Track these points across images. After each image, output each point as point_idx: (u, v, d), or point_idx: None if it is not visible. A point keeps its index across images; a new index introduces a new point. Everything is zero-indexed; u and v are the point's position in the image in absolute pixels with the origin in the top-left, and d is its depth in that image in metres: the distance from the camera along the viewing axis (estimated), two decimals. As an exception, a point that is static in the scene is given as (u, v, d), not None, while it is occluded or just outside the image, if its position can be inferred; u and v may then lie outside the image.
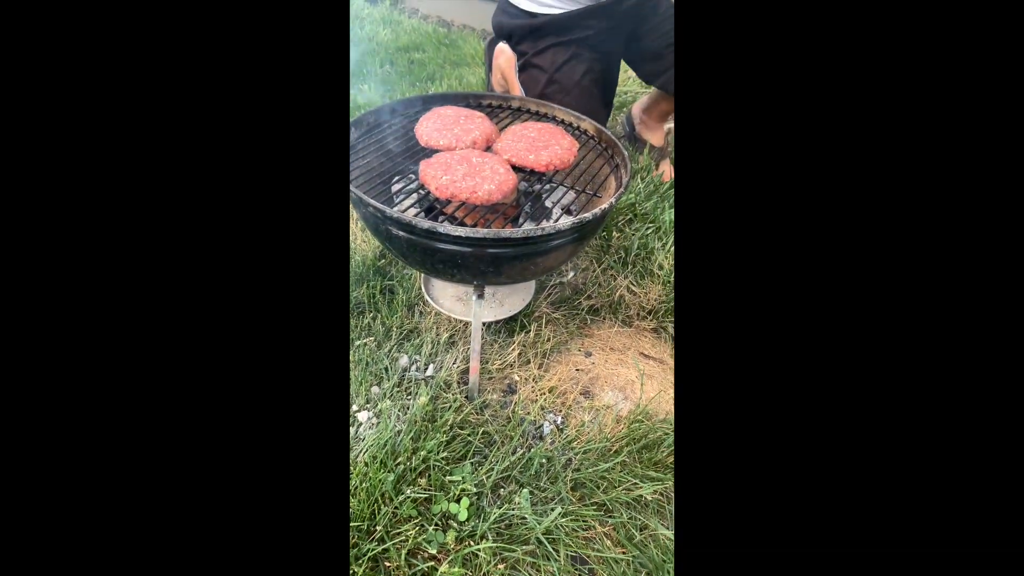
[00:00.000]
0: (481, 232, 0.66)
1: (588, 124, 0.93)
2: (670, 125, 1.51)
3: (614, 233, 1.15)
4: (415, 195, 0.82)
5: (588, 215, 0.69)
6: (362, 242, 1.09)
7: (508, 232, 0.67)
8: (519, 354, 0.93)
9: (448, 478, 0.71)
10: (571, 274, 1.09)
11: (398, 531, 0.65)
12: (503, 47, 1.23)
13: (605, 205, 0.71)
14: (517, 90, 1.20)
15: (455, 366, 0.88)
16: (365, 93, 1.67)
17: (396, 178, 0.88)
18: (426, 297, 0.98)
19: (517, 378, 0.90)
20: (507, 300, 1.01)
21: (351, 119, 0.87)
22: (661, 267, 1.07)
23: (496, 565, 0.65)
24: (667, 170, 1.44)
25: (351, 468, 0.70)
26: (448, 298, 0.99)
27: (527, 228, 0.67)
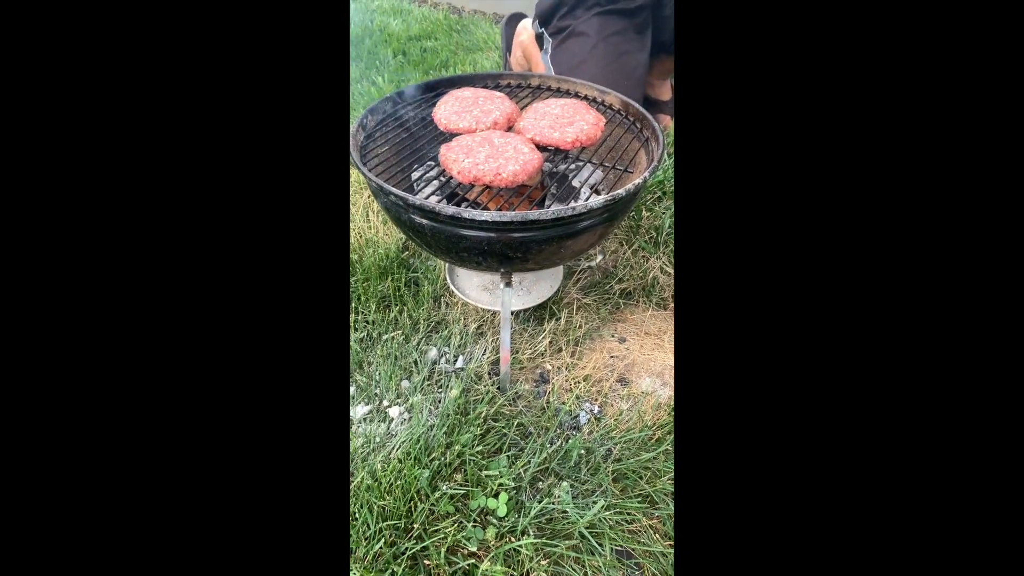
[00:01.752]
0: (508, 215, 0.63)
1: (613, 98, 0.89)
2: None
3: (643, 212, 1.10)
4: (436, 182, 0.79)
5: (621, 191, 0.65)
6: (384, 235, 1.07)
7: (536, 214, 0.63)
8: (550, 342, 0.90)
9: (484, 472, 0.69)
10: (599, 258, 1.05)
11: (436, 528, 0.63)
12: (526, 24, 1.19)
13: (639, 180, 0.67)
14: (540, 67, 1.17)
15: (485, 357, 0.86)
16: (378, 84, 1.65)
17: (416, 165, 0.85)
18: (452, 288, 0.96)
19: (549, 367, 0.87)
20: (535, 288, 0.97)
21: (367, 108, 0.85)
22: (695, 246, 1.02)
23: (539, 561, 0.63)
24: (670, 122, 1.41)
25: (385, 465, 0.68)
26: (474, 288, 0.96)
27: (556, 208, 0.63)
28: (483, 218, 0.63)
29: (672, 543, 0.66)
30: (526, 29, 1.21)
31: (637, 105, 0.85)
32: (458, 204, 0.78)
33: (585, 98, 0.92)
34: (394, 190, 0.66)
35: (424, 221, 0.68)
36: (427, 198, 0.69)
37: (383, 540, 0.61)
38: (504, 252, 0.69)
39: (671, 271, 1.01)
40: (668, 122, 1.44)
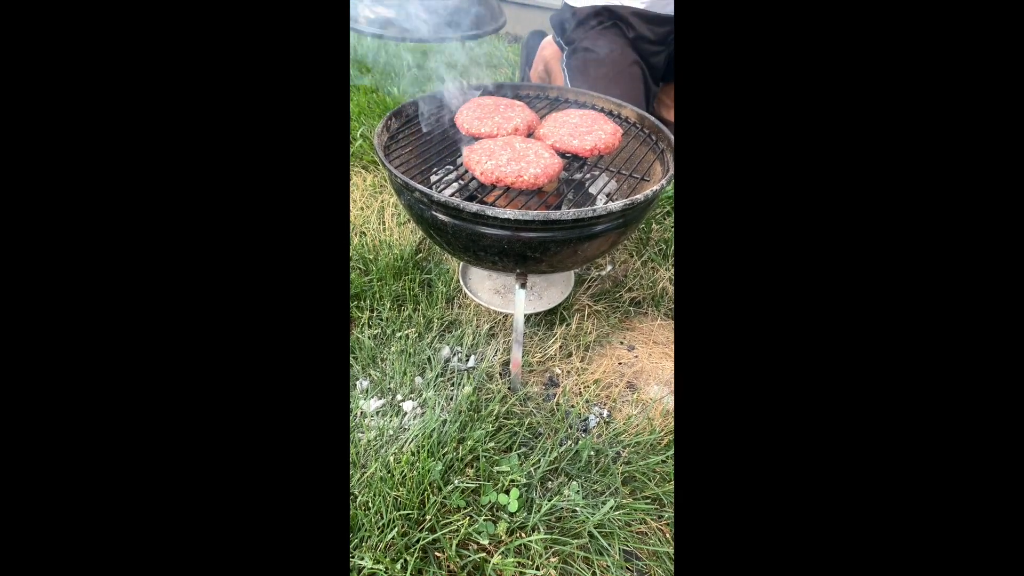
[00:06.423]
0: (530, 214, 0.65)
1: (629, 111, 0.92)
2: None
3: (653, 225, 1.12)
4: (456, 184, 0.81)
5: (640, 196, 0.67)
6: (399, 237, 1.08)
7: (558, 214, 0.65)
8: (560, 347, 0.91)
9: (496, 468, 0.69)
10: (609, 267, 1.07)
11: (448, 521, 0.63)
12: (550, 40, 1.24)
13: (656, 187, 0.69)
14: (559, 80, 1.20)
15: (496, 358, 0.87)
16: (394, 94, 1.68)
17: (435, 168, 0.87)
18: (465, 290, 0.97)
19: (559, 371, 0.88)
20: (546, 293, 0.99)
21: (391, 111, 0.87)
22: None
23: (548, 558, 0.63)
24: None
25: (398, 457, 0.68)
26: (486, 291, 0.97)
27: (577, 209, 0.65)
28: (505, 216, 0.65)
29: (680, 546, 0.67)
30: (550, 44, 1.25)
31: (652, 118, 0.88)
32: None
33: (602, 110, 0.94)
34: (419, 187, 0.68)
35: (446, 218, 0.70)
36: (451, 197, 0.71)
37: (396, 530, 0.61)
38: (522, 252, 0.71)
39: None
40: None
